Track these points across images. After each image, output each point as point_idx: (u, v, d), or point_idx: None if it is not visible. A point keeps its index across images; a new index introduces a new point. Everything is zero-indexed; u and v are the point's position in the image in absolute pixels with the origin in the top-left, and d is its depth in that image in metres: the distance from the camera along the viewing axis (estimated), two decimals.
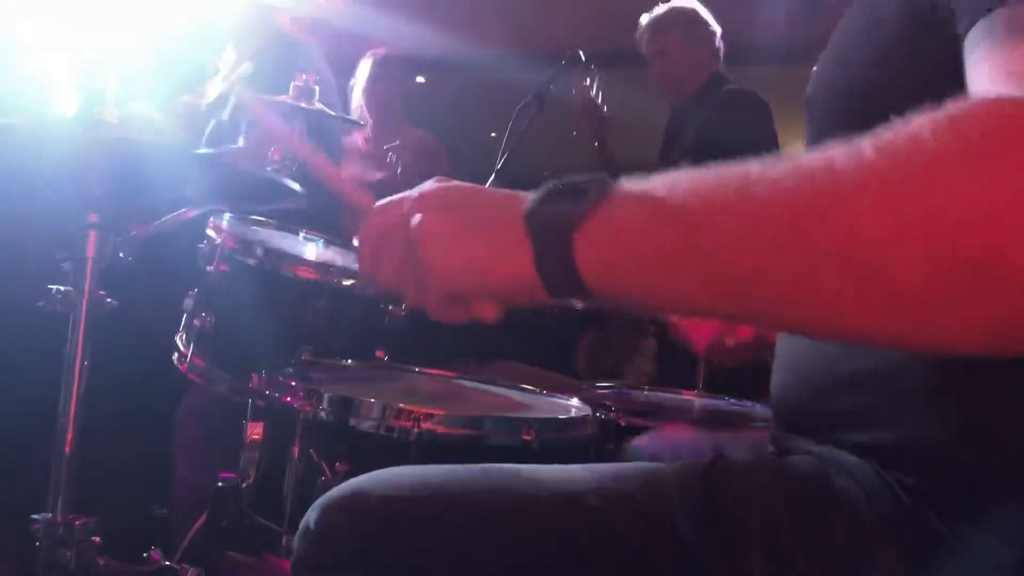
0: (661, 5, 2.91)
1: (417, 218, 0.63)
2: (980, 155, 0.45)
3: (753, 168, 0.52)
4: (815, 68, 0.83)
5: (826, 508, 0.73)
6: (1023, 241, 0.44)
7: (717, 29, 2.89)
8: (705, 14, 2.89)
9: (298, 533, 0.85)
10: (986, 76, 0.52)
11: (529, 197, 0.59)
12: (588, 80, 2.77)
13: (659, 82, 2.94)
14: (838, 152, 0.49)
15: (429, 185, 0.66)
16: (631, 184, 0.57)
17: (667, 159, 2.94)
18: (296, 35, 2.51)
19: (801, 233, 0.49)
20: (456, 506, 0.81)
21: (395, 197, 0.68)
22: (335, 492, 0.84)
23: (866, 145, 0.48)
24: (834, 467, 0.75)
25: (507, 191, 0.62)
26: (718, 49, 2.90)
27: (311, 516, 0.83)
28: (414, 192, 0.66)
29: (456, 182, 0.66)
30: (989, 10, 0.55)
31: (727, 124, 2.65)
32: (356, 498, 0.83)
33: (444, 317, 0.66)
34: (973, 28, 0.55)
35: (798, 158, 0.51)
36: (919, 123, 0.48)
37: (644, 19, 2.90)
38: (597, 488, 0.81)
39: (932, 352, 0.51)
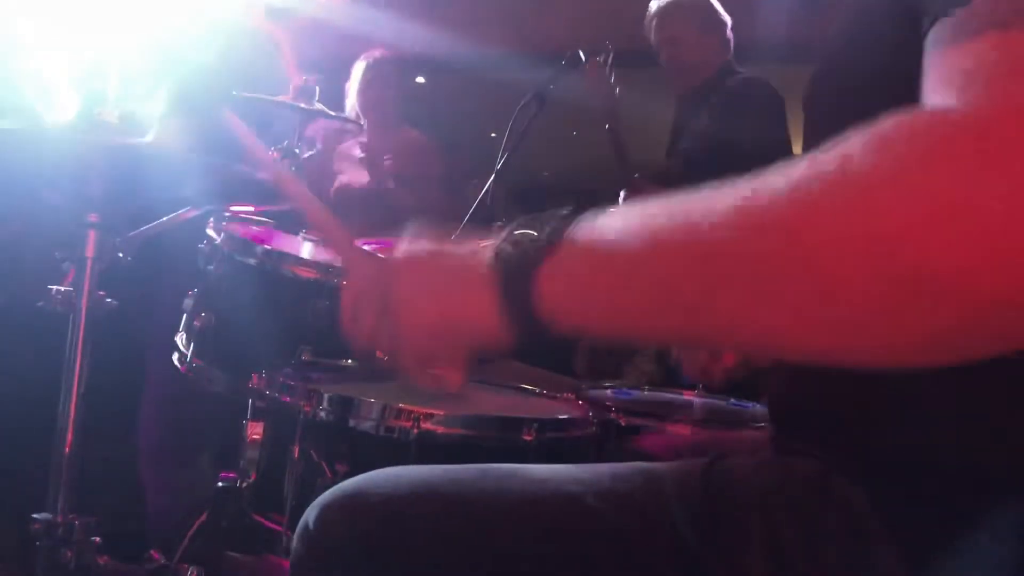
0: None
1: (390, 285, 0.68)
2: (900, 171, 0.46)
3: (697, 200, 0.53)
4: (813, 71, 0.83)
5: (825, 509, 0.73)
6: (949, 251, 0.45)
7: (728, 19, 2.83)
8: (716, 2, 2.83)
9: (296, 533, 0.85)
10: (929, 84, 0.52)
11: (490, 249, 0.63)
12: (601, 58, 2.71)
13: (669, 71, 2.87)
14: (772, 179, 0.51)
15: (401, 250, 0.70)
16: (586, 225, 0.59)
17: (674, 152, 2.90)
18: (262, 27, 2.51)
19: (740, 261, 0.51)
20: (455, 506, 0.81)
21: (370, 260, 0.75)
22: (333, 492, 0.84)
23: (799, 168, 0.50)
24: (833, 467, 0.75)
25: (471, 244, 0.66)
26: (729, 39, 2.83)
27: (310, 516, 0.83)
28: (389, 259, 0.70)
29: (424, 243, 0.70)
30: (941, 16, 0.54)
31: (738, 112, 2.59)
32: (355, 498, 0.83)
33: (418, 381, 0.71)
34: (930, 32, 0.55)
35: (738, 186, 0.52)
36: (848, 142, 0.49)
37: (653, 6, 2.83)
38: (596, 488, 0.81)
39: (876, 366, 0.52)
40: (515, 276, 0.60)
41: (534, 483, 0.83)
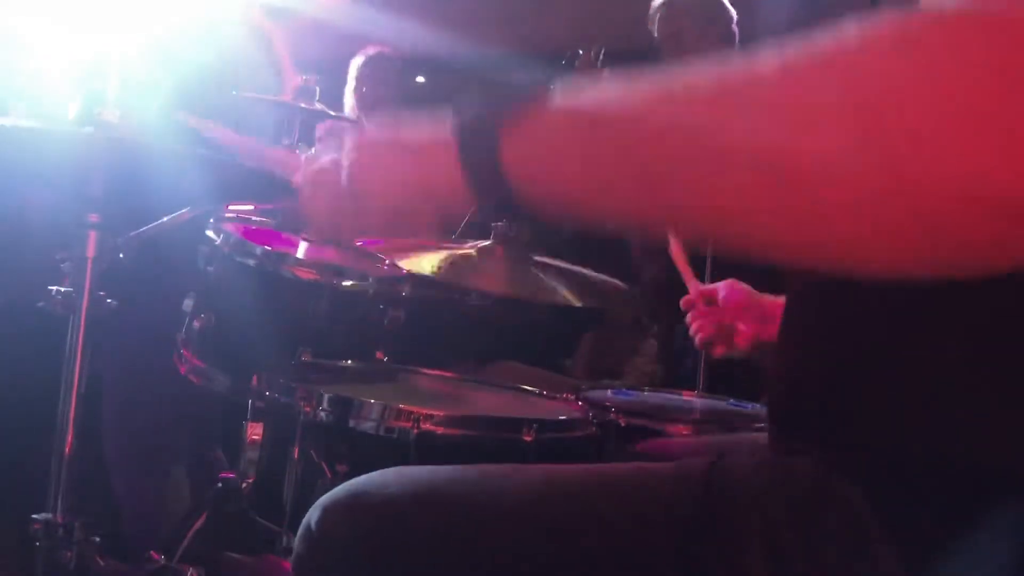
0: None
1: (350, 153, 0.67)
2: (898, 42, 0.44)
3: (680, 74, 0.52)
4: None
5: (825, 509, 0.73)
6: (937, 125, 0.41)
7: (733, 14, 2.80)
8: (723, 2, 2.79)
9: (299, 534, 0.85)
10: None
11: (457, 103, 0.61)
12: (593, 53, 2.71)
13: (671, 65, 2.88)
14: (762, 55, 0.49)
15: (352, 134, 0.70)
16: (554, 92, 0.58)
17: None
18: (262, 27, 2.51)
19: (714, 130, 0.48)
20: (456, 507, 0.81)
21: (326, 150, 0.72)
22: (336, 493, 0.84)
23: (792, 47, 0.48)
24: (833, 467, 0.75)
25: (427, 118, 0.64)
26: (733, 34, 2.80)
27: (312, 517, 0.84)
28: (349, 140, 0.69)
29: (378, 123, 0.70)
30: None
31: None
32: (357, 499, 0.83)
33: (381, 230, 0.69)
34: None
35: (719, 67, 0.51)
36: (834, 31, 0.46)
37: (657, 0, 2.80)
38: (597, 488, 0.82)
39: (847, 268, 0.48)
40: (476, 136, 0.59)
41: (534, 484, 0.83)
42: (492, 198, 0.59)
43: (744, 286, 1.47)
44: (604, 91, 0.56)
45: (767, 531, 0.73)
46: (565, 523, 0.79)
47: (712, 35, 2.77)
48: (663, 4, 2.80)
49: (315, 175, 0.72)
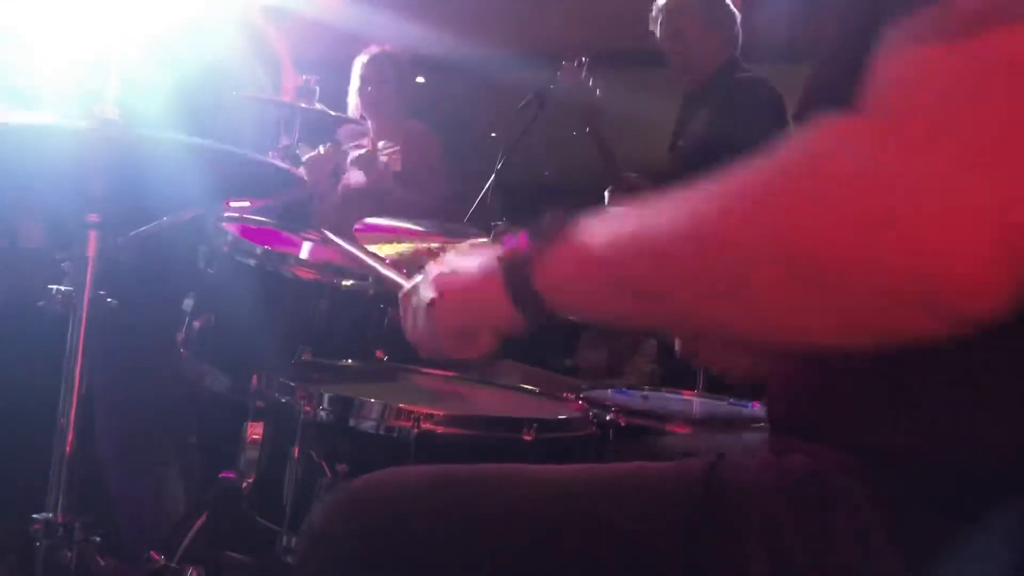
0: None
1: (425, 288, 0.85)
2: (804, 168, 0.53)
3: (661, 207, 0.63)
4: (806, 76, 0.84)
5: (828, 508, 0.73)
6: (834, 245, 0.50)
7: (737, 14, 2.80)
8: (727, 3, 2.79)
9: (302, 532, 0.85)
10: (860, 93, 0.58)
11: (497, 246, 0.76)
12: (576, 62, 2.70)
13: (674, 67, 2.85)
14: (711, 186, 0.59)
15: (430, 266, 0.86)
16: (576, 226, 0.70)
17: (676, 149, 2.88)
18: (261, 27, 2.51)
19: (686, 265, 0.60)
20: (458, 507, 0.81)
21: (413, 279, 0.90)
22: (339, 492, 0.85)
23: (736, 170, 0.58)
24: (835, 467, 0.75)
25: (485, 247, 0.80)
26: (736, 35, 2.80)
27: (315, 517, 0.84)
28: (425, 273, 0.86)
29: (449, 255, 0.85)
30: (887, 24, 0.58)
31: (737, 114, 2.58)
32: (360, 499, 0.83)
33: (456, 354, 0.84)
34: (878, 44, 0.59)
35: (692, 192, 0.61)
36: (779, 147, 0.56)
37: (661, 0, 2.81)
38: (598, 488, 0.82)
39: (794, 349, 0.61)
40: (515, 270, 0.73)
41: (536, 483, 0.83)
42: (536, 319, 0.74)
43: None
44: (608, 227, 0.67)
45: (769, 531, 0.73)
46: (566, 523, 0.79)
47: (712, 37, 2.77)
48: (665, 5, 2.79)
49: (404, 299, 0.90)
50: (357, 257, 1.07)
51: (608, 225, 0.68)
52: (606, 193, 2.74)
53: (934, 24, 0.54)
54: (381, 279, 1.03)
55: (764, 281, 0.55)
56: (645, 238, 0.64)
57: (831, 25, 0.78)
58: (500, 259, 0.75)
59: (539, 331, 0.76)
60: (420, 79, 3.51)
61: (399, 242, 1.69)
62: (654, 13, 2.82)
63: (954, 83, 0.52)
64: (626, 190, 2.71)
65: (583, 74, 2.69)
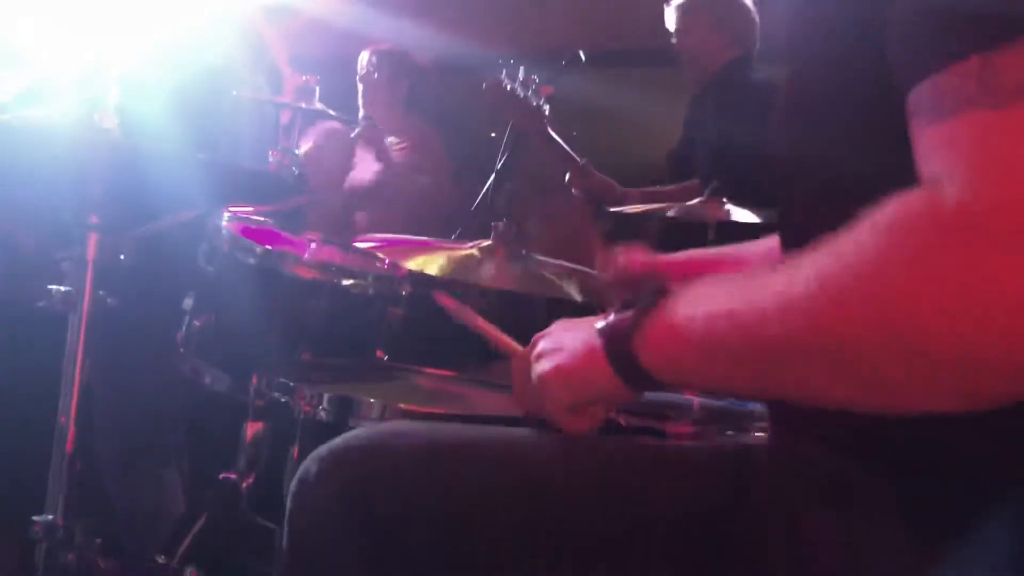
0: None
1: (535, 364, 0.86)
2: (904, 268, 0.56)
3: (746, 293, 0.67)
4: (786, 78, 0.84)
5: (848, 498, 0.73)
6: (947, 334, 0.54)
7: (755, 18, 2.79)
8: (741, 3, 2.79)
9: (292, 489, 0.83)
10: (919, 155, 0.59)
11: (601, 323, 0.79)
12: (503, 74, 2.69)
13: (683, 64, 2.86)
14: (802, 270, 0.62)
15: (540, 339, 0.88)
16: (670, 303, 0.73)
17: (689, 156, 2.85)
18: (260, 28, 2.51)
19: (785, 353, 0.63)
20: (465, 466, 0.81)
21: (524, 351, 0.92)
22: (335, 444, 0.83)
23: (822, 260, 0.61)
24: (854, 458, 0.74)
25: (589, 323, 0.81)
26: (745, 35, 2.79)
27: (310, 469, 0.82)
28: (533, 347, 0.89)
29: (557, 327, 0.88)
30: (915, 82, 0.59)
31: (731, 118, 2.57)
32: (359, 450, 0.82)
33: (568, 426, 0.85)
34: (911, 93, 0.60)
35: (777, 275, 0.64)
36: (861, 232, 0.59)
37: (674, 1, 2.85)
38: (620, 462, 0.84)
39: (907, 413, 0.61)
40: (617, 346, 0.76)
41: (553, 452, 0.85)
42: (642, 388, 0.76)
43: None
44: (703, 308, 0.70)
45: (790, 520, 0.73)
46: (580, 494, 0.80)
47: (722, 35, 2.78)
48: (679, 3, 2.81)
49: (514, 366, 0.93)
50: (475, 319, 1.08)
51: (705, 295, 0.71)
52: (566, 179, 2.79)
53: (982, 85, 0.55)
54: (495, 343, 1.03)
55: (878, 361, 0.58)
56: (740, 311, 0.66)
57: (813, 27, 0.78)
58: (601, 334, 0.78)
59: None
60: (427, 82, 3.51)
61: (430, 254, 1.68)
62: (667, 10, 2.84)
63: None
64: (585, 179, 2.76)
65: (511, 85, 2.68)
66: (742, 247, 1.18)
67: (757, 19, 2.79)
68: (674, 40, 2.83)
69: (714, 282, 0.72)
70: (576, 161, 2.78)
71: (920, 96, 0.59)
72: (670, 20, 2.83)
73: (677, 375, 0.74)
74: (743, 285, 0.68)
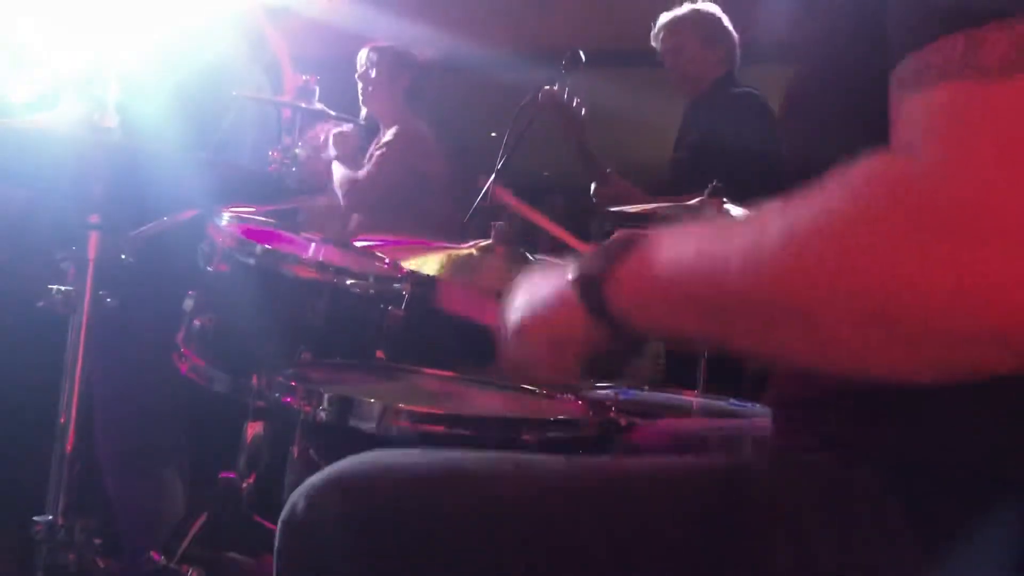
0: (684, 5, 2.97)
1: (511, 316, 0.86)
2: (871, 227, 0.55)
3: (719, 239, 0.66)
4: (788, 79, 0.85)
5: (849, 500, 0.73)
6: (911, 291, 0.53)
7: (734, 35, 2.96)
8: (722, 19, 2.96)
9: (281, 524, 0.83)
10: (894, 125, 0.60)
11: (573, 265, 0.78)
12: (556, 86, 2.80)
13: (672, 78, 3.01)
14: (772, 222, 0.61)
15: (516, 291, 0.88)
16: (643, 247, 0.72)
17: (673, 157, 2.99)
18: (261, 28, 2.51)
19: (751, 305, 0.63)
20: (458, 494, 0.80)
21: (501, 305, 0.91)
22: (320, 478, 0.82)
23: (791, 214, 0.60)
24: (854, 459, 0.74)
25: (560, 269, 0.80)
26: (732, 52, 2.96)
27: (297, 504, 0.81)
28: (508, 299, 0.88)
29: (531, 277, 0.87)
30: (900, 55, 0.60)
31: (728, 127, 2.71)
32: (346, 483, 0.81)
33: (549, 377, 0.90)
34: (896, 67, 0.60)
35: (749, 226, 0.65)
36: (829, 190, 0.59)
37: (663, 17, 2.98)
38: (614, 478, 0.82)
39: (877, 381, 0.60)
40: (589, 290, 0.75)
41: (543, 475, 0.82)
42: (618, 335, 0.75)
43: None
44: (674, 252, 0.70)
45: (793, 522, 0.73)
46: (571, 516, 0.78)
47: (709, 54, 2.92)
48: (665, 23, 2.96)
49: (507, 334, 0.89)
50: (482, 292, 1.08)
51: (675, 244, 0.71)
52: (592, 188, 2.89)
53: (965, 59, 0.55)
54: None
55: (835, 320, 0.57)
56: (708, 261, 0.66)
57: (815, 27, 0.78)
58: (573, 280, 0.77)
59: (628, 349, 0.79)
60: (426, 83, 3.51)
61: (431, 253, 1.69)
62: (656, 29, 2.98)
63: (1011, 130, 0.53)
64: (610, 187, 2.86)
65: (564, 95, 2.79)
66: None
67: (736, 36, 2.93)
68: (666, 59, 2.95)
69: (686, 230, 0.73)
70: (603, 168, 2.88)
71: (905, 68, 0.59)
72: (657, 40, 2.95)
73: (648, 322, 0.73)
74: (713, 235, 0.68)
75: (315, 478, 0.83)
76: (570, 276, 0.78)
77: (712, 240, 0.67)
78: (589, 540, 0.78)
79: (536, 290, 0.84)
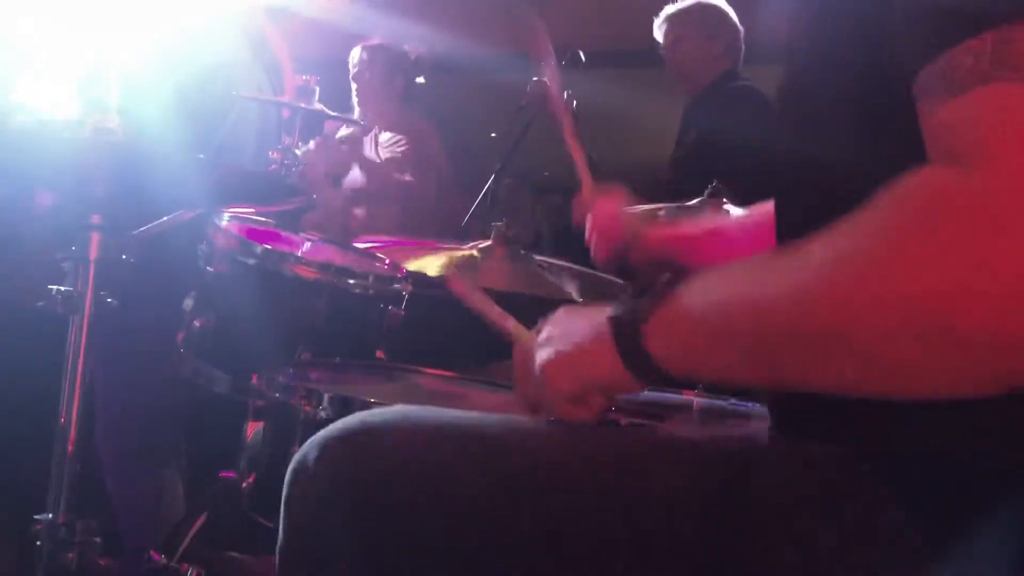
0: (683, 0, 2.92)
1: (539, 351, 0.84)
2: (924, 247, 0.55)
3: (759, 274, 0.66)
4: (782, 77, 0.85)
5: (852, 497, 0.73)
6: (972, 310, 0.53)
7: (739, 28, 2.90)
8: (727, 12, 2.90)
9: (290, 475, 0.81)
10: (930, 135, 0.59)
11: (609, 311, 0.77)
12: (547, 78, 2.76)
13: (673, 72, 2.97)
14: (816, 251, 0.61)
15: (545, 326, 0.86)
16: (681, 291, 0.72)
17: (674, 157, 2.96)
18: (261, 28, 2.51)
19: (800, 334, 0.62)
20: (471, 450, 0.79)
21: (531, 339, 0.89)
22: (334, 429, 0.81)
23: (837, 239, 0.60)
24: (856, 457, 0.74)
25: (596, 310, 0.80)
26: (735, 47, 2.91)
27: (309, 455, 0.80)
28: (540, 334, 0.86)
29: (562, 314, 0.86)
30: (928, 58, 0.58)
31: (726, 122, 2.67)
32: (361, 435, 0.80)
33: (568, 415, 0.84)
34: (919, 74, 0.59)
35: (791, 257, 0.63)
36: (877, 211, 0.58)
37: (667, 9, 2.94)
38: (621, 457, 0.82)
39: (927, 398, 0.60)
40: (626, 332, 0.74)
41: (555, 446, 0.82)
42: (647, 379, 0.75)
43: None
44: (714, 294, 0.69)
45: (793, 521, 0.73)
46: (586, 483, 0.78)
47: (710, 48, 2.86)
48: (667, 16, 2.89)
49: (518, 366, 0.89)
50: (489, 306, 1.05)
51: (714, 284, 0.70)
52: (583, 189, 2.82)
53: (996, 60, 0.54)
54: (505, 329, 0.98)
55: (903, 343, 0.57)
56: (751, 300, 0.65)
57: (809, 24, 0.78)
58: (610, 320, 0.76)
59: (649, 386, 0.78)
60: (420, 79, 3.50)
61: (432, 255, 1.69)
62: (658, 23, 2.91)
63: None
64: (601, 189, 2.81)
65: (555, 87, 2.74)
66: (745, 216, 1.18)
67: (742, 30, 2.87)
68: (667, 52, 2.90)
69: (726, 269, 0.72)
70: (597, 168, 2.84)
71: (931, 75, 0.58)
72: (660, 33, 2.90)
73: (687, 364, 0.72)
74: (755, 270, 0.68)
75: (326, 431, 0.82)
76: (609, 316, 0.77)
77: (753, 277, 0.67)
78: (593, 514, 0.77)
79: (569, 326, 0.83)
